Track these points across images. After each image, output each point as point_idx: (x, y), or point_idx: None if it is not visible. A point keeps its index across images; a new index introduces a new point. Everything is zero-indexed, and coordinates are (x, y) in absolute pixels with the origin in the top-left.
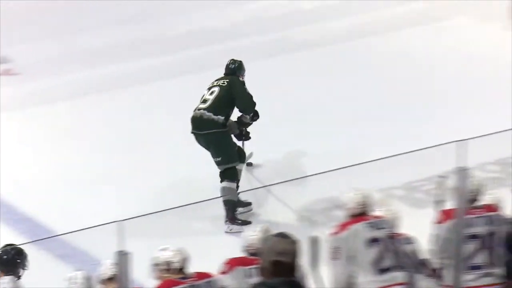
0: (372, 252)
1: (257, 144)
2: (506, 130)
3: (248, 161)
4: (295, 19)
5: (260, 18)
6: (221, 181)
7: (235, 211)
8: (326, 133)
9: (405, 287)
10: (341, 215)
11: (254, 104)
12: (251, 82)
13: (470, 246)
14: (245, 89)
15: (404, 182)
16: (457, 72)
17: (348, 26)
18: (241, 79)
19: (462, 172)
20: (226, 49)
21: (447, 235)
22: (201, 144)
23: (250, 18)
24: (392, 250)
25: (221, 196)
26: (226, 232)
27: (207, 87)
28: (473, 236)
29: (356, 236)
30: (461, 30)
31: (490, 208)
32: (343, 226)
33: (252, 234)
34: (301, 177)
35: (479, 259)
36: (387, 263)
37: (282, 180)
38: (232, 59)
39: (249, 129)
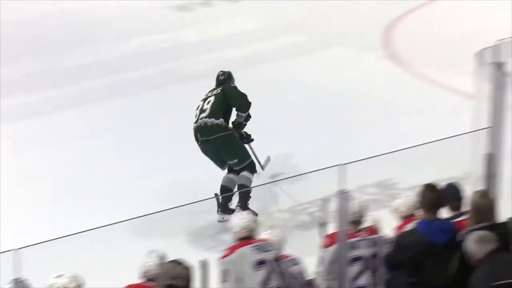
0: (260, 274)
1: None
2: (383, 154)
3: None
4: (183, 51)
5: (147, 52)
6: (239, 172)
7: (247, 199)
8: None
9: None
10: (229, 239)
11: (250, 102)
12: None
13: (355, 268)
14: (239, 90)
15: (289, 206)
16: (338, 98)
17: (236, 57)
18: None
19: (343, 195)
20: (114, 82)
21: (332, 258)
22: (208, 152)
23: (139, 52)
24: (278, 272)
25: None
26: (219, 221)
27: (202, 99)
28: (357, 258)
29: (243, 258)
30: (340, 59)
31: (372, 230)
32: (231, 249)
33: (148, 261)
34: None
35: (363, 280)
36: (274, 284)
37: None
38: (221, 71)
39: None
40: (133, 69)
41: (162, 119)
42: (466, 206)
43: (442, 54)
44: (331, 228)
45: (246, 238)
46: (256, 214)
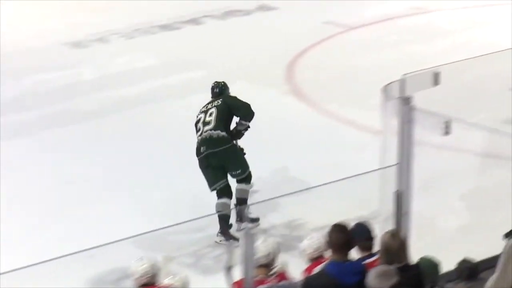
0: None
1: None
2: (289, 194)
3: None
4: (79, 89)
5: (42, 90)
6: (237, 183)
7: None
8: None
9: None
10: (131, 285)
11: (253, 111)
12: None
13: None
14: (240, 99)
15: (193, 249)
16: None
17: (134, 94)
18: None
19: (249, 237)
20: (9, 121)
21: None
22: (210, 165)
23: (33, 90)
24: None
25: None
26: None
27: (201, 111)
28: None
29: None
30: (242, 95)
31: (282, 275)
32: None
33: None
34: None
35: None
36: None
37: None
38: (215, 82)
39: None
40: (28, 108)
41: (51, 160)
42: (376, 246)
43: (348, 88)
44: (237, 272)
45: (148, 284)
46: (258, 219)
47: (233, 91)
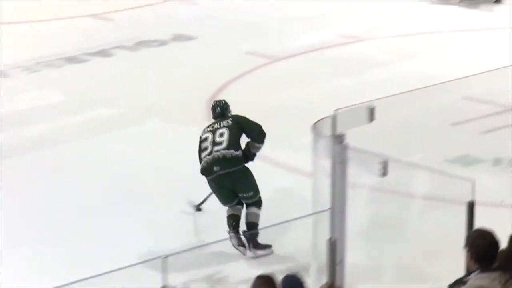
0: None
1: None
2: (212, 243)
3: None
4: None
5: None
6: (248, 207)
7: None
8: None
9: None
10: None
11: (264, 132)
12: None
13: None
14: (251, 120)
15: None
16: (157, 176)
17: (38, 133)
18: None
19: None
20: None
21: None
22: (222, 185)
23: None
24: None
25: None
26: (253, 257)
27: (208, 131)
28: None
29: None
30: (158, 134)
31: None
32: None
33: None
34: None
35: None
36: None
37: None
38: (216, 101)
39: None
40: None
41: None
42: None
43: (274, 127)
44: None
45: None
46: (270, 246)
47: (147, 130)
